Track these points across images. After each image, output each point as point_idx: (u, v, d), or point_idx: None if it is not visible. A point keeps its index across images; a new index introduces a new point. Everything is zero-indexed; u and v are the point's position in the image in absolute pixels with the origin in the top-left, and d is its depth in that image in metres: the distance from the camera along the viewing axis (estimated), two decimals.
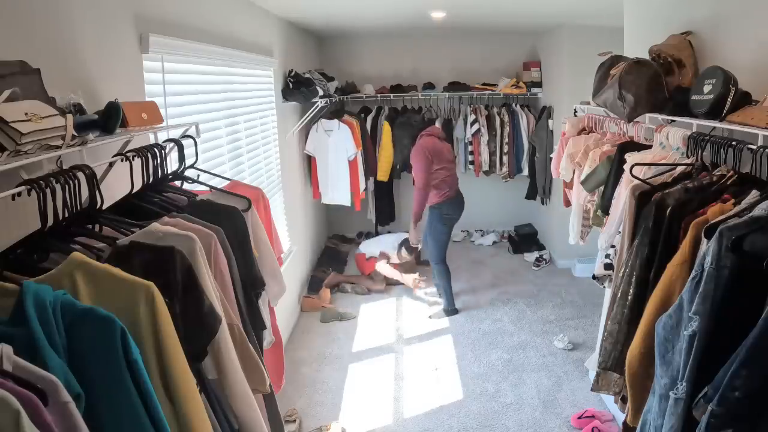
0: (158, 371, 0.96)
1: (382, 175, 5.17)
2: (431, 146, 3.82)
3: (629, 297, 1.63)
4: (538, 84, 5.29)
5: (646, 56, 2.25)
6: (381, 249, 4.71)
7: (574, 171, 2.91)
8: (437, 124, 5.24)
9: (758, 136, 1.49)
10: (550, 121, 4.96)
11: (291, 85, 3.91)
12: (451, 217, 3.99)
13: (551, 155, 3.86)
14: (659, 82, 2.10)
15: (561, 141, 3.20)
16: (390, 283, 4.64)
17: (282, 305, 3.02)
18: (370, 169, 5.11)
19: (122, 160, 1.39)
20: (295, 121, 4.31)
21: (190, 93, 2.42)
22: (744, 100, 1.68)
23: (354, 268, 4.97)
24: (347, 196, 4.69)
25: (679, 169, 1.83)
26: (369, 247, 4.82)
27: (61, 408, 0.74)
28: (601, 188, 2.45)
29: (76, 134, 1.17)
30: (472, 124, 5.18)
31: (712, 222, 1.30)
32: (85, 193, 1.17)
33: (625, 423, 1.64)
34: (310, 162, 4.79)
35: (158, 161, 1.53)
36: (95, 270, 0.98)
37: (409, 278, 4.54)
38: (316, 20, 4.42)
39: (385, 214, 5.58)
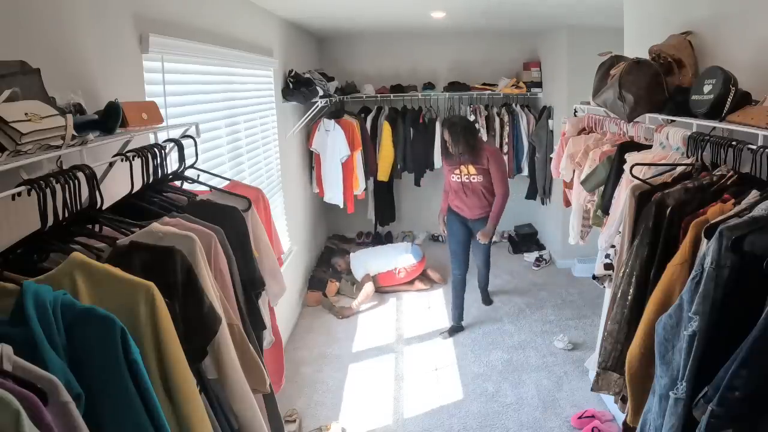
0: (158, 371, 0.96)
1: (382, 175, 5.17)
2: None
3: (629, 297, 1.63)
4: (538, 84, 5.29)
5: (646, 56, 2.25)
6: (392, 264, 4.52)
7: (574, 171, 2.91)
8: (437, 125, 5.25)
9: (758, 136, 1.49)
10: (550, 121, 4.96)
11: (291, 85, 3.91)
12: None
13: (551, 155, 3.86)
14: (659, 82, 2.10)
15: (561, 141, 3.20)
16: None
17: (282, 305, 3.02)
18: (370, 169, 5.12)
19: (122, 160, 1.39)
20: (295, 121, 4.31)
21: (190, 93, 2.42)
22: (744, 100, 1.68)
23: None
24: (340, 197, 4.70)
25: (679, 169, 1.83)
26: (365, 264, 4.53)
27: (61, 408, 0.74)
28: (601, 188, 2.45)
29: (76, 134, 1.17)
30: None
31: (712, 222, 1.30)
32: (85, 193, 1.17)
33: (625, 423, 1.64)
34: (312, 160, 4.82)
35: (158, 161, 1.53)
36: (95, 270, 0.98)
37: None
38: (316, 20, 4.42)
39: (386, 214, 5.58)
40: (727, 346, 1.10)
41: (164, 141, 1.62)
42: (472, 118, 5.18)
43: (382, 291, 4.55)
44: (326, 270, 4.77)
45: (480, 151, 3.61)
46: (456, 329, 3.87)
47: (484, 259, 4.00)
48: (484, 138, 5.18)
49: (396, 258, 4.54)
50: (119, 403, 0.86)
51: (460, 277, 3.85)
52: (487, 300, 4.35)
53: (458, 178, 3.69)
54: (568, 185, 3.09)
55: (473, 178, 3.65)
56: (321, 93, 4.17)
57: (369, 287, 4.32)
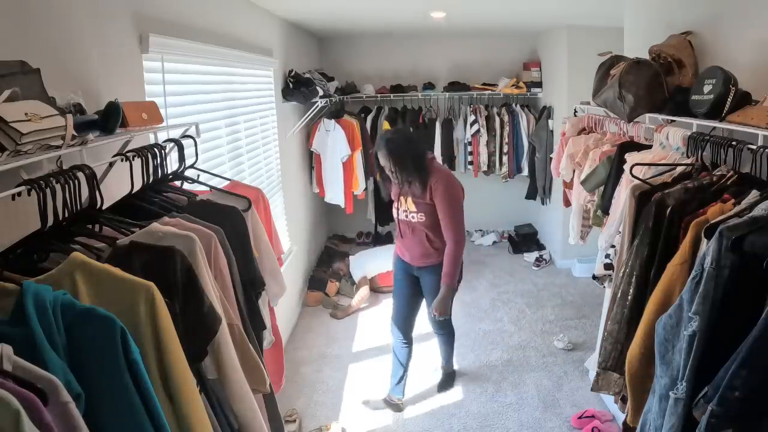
0: (158, 371, 0.96)
1: None
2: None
3: (629, 297, 1.63)
4: (538, 84, 5.29)
5: (646, 56, 2.25)
6: (391, 264, 4.50)
7: (574, 171, 2.91)
8: (437, 125, 5.24)
9: (758, 136, 1.49)
10: (550, 121, 4.96)
11: (291, 85, 3.91)
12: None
13: (551, 155, 3.87)
14: (659, 82, 2.10)
15: (561, 141, 3.21)
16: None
17: (282, 305, 3.01)
18: (370, 169, 5.11)
19: (122, 160, 1.39)
20: (295, 121, 4.31)
21: (190, 93, 2.42)
22: (744, 100, 1.68)
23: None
24: (341, 197, 4.71)
25: (679, 169, 1.83)
26: (364, 265, 4.53)
27: (61, 408, 0.74)
28: (601, 188, 2.45)
29: (76, 134, 1.17)
30: (471, 125, 5.18)
31: (712, 222, 1.30)
32: (85, 193, 1.17)
33: (625, 423, 1.64)
34: (312, 160, 4.82)
35: (158, 161, 1.52)
36: (95, 270, 0.98)
37: None
38: (316, 20, 4.42)
39: (385, 214, 5.58)
40: (727, 346, 1.10)
41: (164, 141, 1.62)
42: (472, 118, 5.18)
43: (382, 291, 4.54)
44: (326, 270, 4.77)
45: (426, 178, 2.51)
46: (398, 406, 2.94)
47: (439, 324, 2.90)
48: (485, 138, 5.18)
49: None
50: (119, 403, 0.86)
51: (398, 344, 2.86)
52: (444, 382, 3.13)
53: (397, 213, 2.71)
54: (568, 185, 3.09)
55: (412, 216, 2.61)
56: (321, 93, 4.18)
57: (364, 291, 4.33)
